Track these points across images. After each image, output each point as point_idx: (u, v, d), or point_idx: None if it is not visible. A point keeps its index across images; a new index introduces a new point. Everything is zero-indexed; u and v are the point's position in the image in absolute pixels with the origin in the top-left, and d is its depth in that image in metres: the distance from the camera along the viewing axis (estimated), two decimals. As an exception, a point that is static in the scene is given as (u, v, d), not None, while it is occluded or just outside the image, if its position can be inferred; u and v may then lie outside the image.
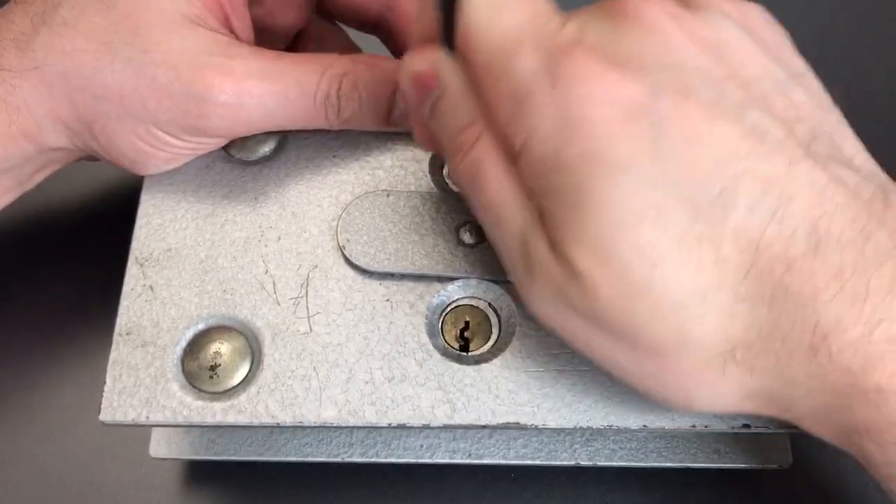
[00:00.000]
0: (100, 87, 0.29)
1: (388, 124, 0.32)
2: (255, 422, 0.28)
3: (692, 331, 0.22)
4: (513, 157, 0.24)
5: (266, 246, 0.31)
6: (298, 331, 0.29)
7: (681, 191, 0.22)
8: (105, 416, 0.28)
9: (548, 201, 0.23)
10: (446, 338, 0.30)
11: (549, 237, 0.23)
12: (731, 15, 0.25)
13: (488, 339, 0.30)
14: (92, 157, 0.34)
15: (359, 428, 0.29)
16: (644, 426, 0.28)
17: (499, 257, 0.26)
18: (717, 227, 0.22)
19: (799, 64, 0.26)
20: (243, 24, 0.33)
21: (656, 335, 0.23)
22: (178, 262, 0.31)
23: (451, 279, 0.30)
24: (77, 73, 0.29)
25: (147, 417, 0.28)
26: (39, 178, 0.33)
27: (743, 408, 0.24)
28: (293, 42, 0.37)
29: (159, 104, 0.29)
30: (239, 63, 0.30)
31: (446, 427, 0.28)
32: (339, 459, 0.33)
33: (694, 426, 0.28)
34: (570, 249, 0.22)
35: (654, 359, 0.23)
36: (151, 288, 0.30)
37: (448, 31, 0.24)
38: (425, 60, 0.25)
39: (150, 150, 0.31)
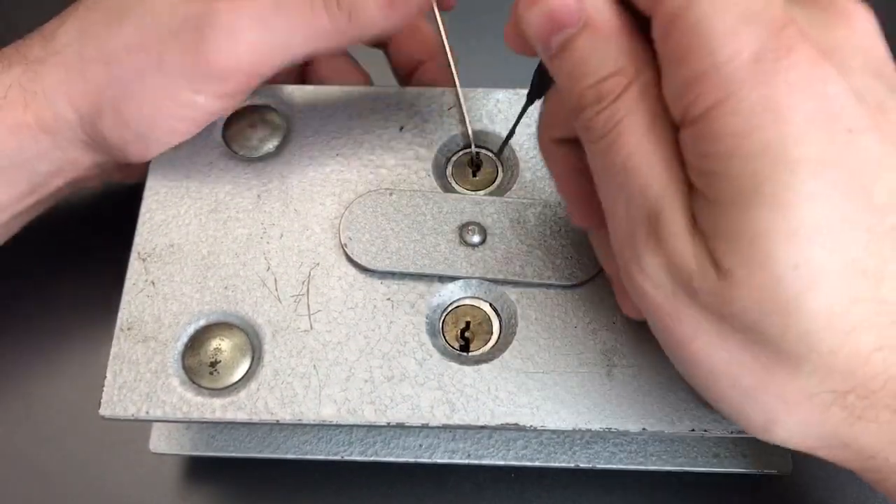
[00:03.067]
0: (109, 51, 0.30)
1: (392, 8, 0.30)
2: (255, 419, 0.28)
3: (819, 359, 0.21)
4: (677, 119, 0.21)
5: (268, 243, 0.31)
6: (299, 328, 0.29)
7: (859, 214, 0.20)
8: (105, 410, 0.28)
9: (710, 184, 0.21)
10: (446, 338, 0.30)
11: (696, 219, 0.21)
12: None
13: (488, 340, 0.30)
14: (110, 178, 0.34)
15: (358, 426, 0.29)
16: (644, 429, 0.28)
17: (611, 219, 0.24)
18: (884, 262, 0.20)
19: None
20: None
21: (779, 352, 0.21)
22: (181, 258, 0.31)
23: (453, 279, 0.30)
24: (91, 43, 0.30)
25: (147, 412, 0.28)
26: (54, 185, 0.33)
27: (823, 453, 0.23)
28: (302, 65, 0.38)
29: (163, 45, 0.29)
30: None
31: (445, 427, 0.28)
32: (338, 457, 0.33)
33: (693, 430, 0.28)
34: (722, 247, 0.20)
35: (762, 369, 0.21)
36: (153, 283, 0.30)
37: None
38: None
39: (156, 112, 0.30)
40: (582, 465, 0.33)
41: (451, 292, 0.30)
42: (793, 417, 0.22)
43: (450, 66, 0.34)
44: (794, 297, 0.20)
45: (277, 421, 0.28)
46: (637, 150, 0.22)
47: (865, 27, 0.22)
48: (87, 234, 0.40)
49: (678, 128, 0.21)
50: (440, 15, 0.34)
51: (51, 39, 0.31)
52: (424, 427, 0.28)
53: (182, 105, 0.30)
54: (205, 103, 0.30)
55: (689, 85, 0.21)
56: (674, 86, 0.21)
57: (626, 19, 0.22)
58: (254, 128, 0.33)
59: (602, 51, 0.22)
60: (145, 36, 0.30)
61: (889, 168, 0.20)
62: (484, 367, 0.29)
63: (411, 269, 0.30)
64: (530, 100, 0.29)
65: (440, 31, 0.34)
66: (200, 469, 0.35)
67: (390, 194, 0.31)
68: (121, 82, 0.30)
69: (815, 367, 0.21)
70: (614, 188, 0.23)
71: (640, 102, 0.22)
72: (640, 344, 0.29)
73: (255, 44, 0.29)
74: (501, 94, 0.34)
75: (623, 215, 0.23)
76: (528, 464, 0.33)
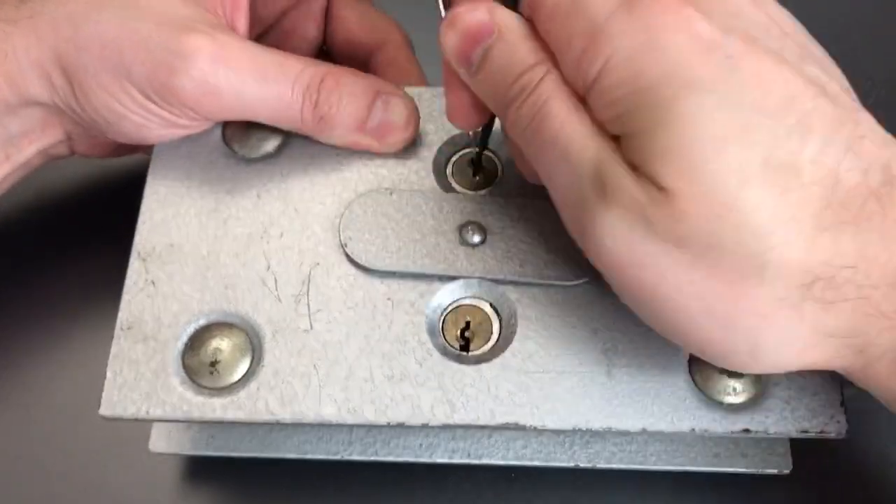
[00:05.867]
0: (83, 38, 0.30)
1: (362, 131, 0.32)
2: (255, 418, 0.28)
3: (774, 257, 0.22)
4: (582, 92, 0.24)
5: (268, 243, 0.31)
6: (299, 328, 0.29)
7: (760, 117, 0.22)
8: (105, 409, 0.28)
9: (629, 124, 0.23)
10: (447, 337, 0.30)
11: (631, 160, 0.23)
12: None
13: (489, 340, 0.30)
14: (80, 149, 0.34)
15: (358, 426, 0.29)
16: (643, 428, 0.28)
17: (558, 196, 0.26)
18: (796, 155, 0.22)
19: (823, 52, 0.26)
20: (242, 24, 0.33)
21: (739, 259, 0.22)
22: (181, 258, 0.31)
23: (453, 279, 0.30)
24: (67, 21, 0.30)
25: (147, 412, 0.28)
26: (27, 151, 0.33)
27: (811, 357, 0.24)
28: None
29: (135, 55, 0.29)
30: (223, 35, 0.30)
31: (445, 426, 0.28)
32: (338, 457, 0.33)
33: (693, 429, 0.28)
34: (657, 168, 0.23)
35: (729, 289, 0.23)
36: (153, 283, 0.30)
37: None
38: (479, 9, 0.26)
39: (121, 109, 0.30)
40: (582, 465, 0.33)
41: (451, 292, 0.30)
42: (773, 330, 0.23)
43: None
44: (732, 196, 0.22)
45: (277, 421, 0.28)
46: (566, 122, 0.24)
47: None
48: (88, 234, 0.40)
49: (585, 99, 0.24)
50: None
51: (27, 0, 0.31)
52: (424, 427, 0.28)
53: (148, 111, 0.31)
54: (171, 118, 0.31)
55: (580, 57, 0.24)
56: (570, 65, 0.24)
57: (526, 24, 0.26)
58: (254, 128, 0.33)
59: (517, 51, 0.25)
60: (122, 35, 0.30)
61: (772, 80, 0.23)
62: (484, 366, 0.29)
63: (411, 269, 0.30)
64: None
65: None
66: (200, 469, 0.35)
67: (390, 194, 0.31)
68: (88, 72, 0.30)
69: (776, 267, 0.22)
70: (554, 161, 0.25)
71: (558, 86, 0.25)
72: (640, 344, 0.29)
73: (222, 101, 0.30)
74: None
75: (568, 183, 0.25)
76: (528, 463, 0.33)
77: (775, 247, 0.22)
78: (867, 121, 0.24)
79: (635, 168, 0.23)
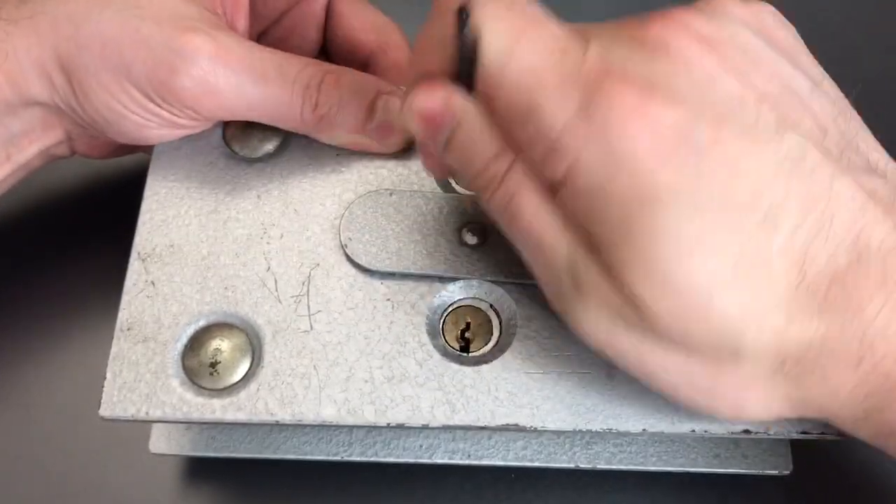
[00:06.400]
0: (84, 37, 0.30)
1: (362, 131, 0.32)
2: (255, 419, 0.28)
3: (747, 349, 0.23)
4: (551, 186, 0.24)
5: (268, 243, 0.31)
6: (299, 329, 0.29)
7: (728, 218, 0.22)
8: (105, 410, 0.28)
9: (598, 231, 0.23)
10: (447, 338, 0.30)
11: (602, 262, 0.23)
12: (748, 22, 0.25)
13: (489, 341, 0.30)
14: (80, 149, 0.34)
15: (358, 427, 0.29)
16: (644, 430, 0.28)
17: (539, 280, 0.26)
18: (766, 249, 0.22)
19: (816, 70, 0.26)
20: (242, 23, 0.33)
21: (712, 353, 0.23)
22: (181, 259, 0.31)
23: (453, 279, 0.30)
24: (67, 20, 0.30)
25: (147, 413, 0.28)
26: (28, 151, 0.33)
27: (788, 414, 0.25)
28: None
29: (135, 54, 0.29)
30: (224, 35, 0.30)
31: (445, 427, 0.28)
32: (338, 458, 0.33)
33: (693, 430, 0.28)
34: (626, 277, 0.23)
35: (707, 371, 0.24)
36: (153, 283, 0.30)
37: (466, 71, 0.24)
38: (436, 97, 0.25)
39: (122, 109, 0.30)
40: (582, 466, 0.33)
41: (451, 293, 0.30)
42: (752, 398, 0.25)
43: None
44: (701, 307, 0.22)
45: (277, 421, 0.28)
46: (536, 219, 0.24)
47: (683, 52, 0.23)
48: (88, 234, 0.40)
49: (556, 191, 0.23)
50: None
51: (28, 0, 0.31)
52: (425, 428, 0.28)
53: (148, 111, 0.31)
54: (171, 117, 0.31)
55: (543, 160, 0.23)
56: (533, 163, 0.24)
57: (485, 110, 0.24)
58: (254, 128, 0.33)
59: (478, 140, 0.24)
60: (123, 34, 0.30)
61: (741, 171, 0.22)
62: (484, 367, 0.29)
63: (412, 270, 0.30)
64: None
65: None
66: (200, 469, 0.35)
67: (391, 194, 0.31)
68: (88, 71, 0.30)
69: (749, 354, 0.23)
70: (529, 253, 0.25)
71: (524, 178, 0.24)
72: (641, 344, 0.29)
73: (222, 101, 0.30)
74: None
75: (544, 272, 0.25)
76: (528, 464, 0.33)
77: (748, 341, 0.23)
78: (847, 185, 0.23)
79: (609, 270, 0.23)
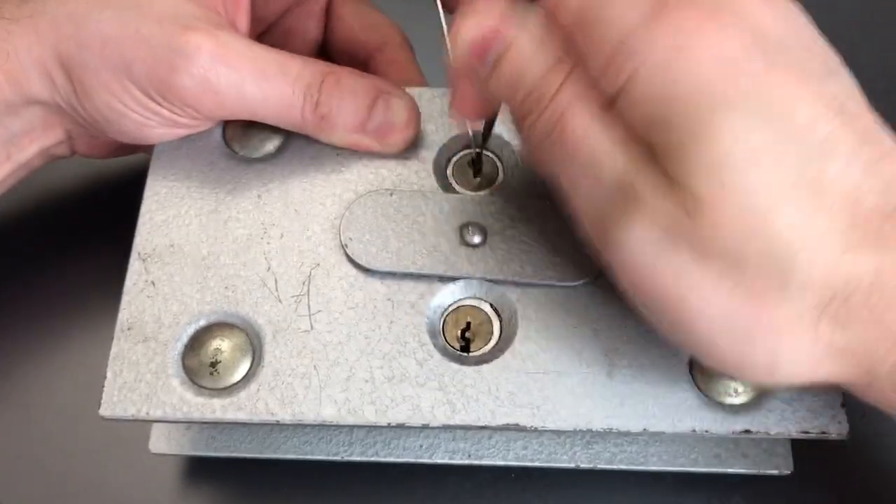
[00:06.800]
0: (85, 36, 0.30)
1: (363, 131, 0.32)
2: (255, 419, 0.28)
3: (799, 274, 0.22)
4: (608, 101, 0.24)
5: (268, 243, 0.31)
6: (299, 328, 0.29)
7: (787, 137, 0.22)
8: (105, 410, 0.28)
9: (661, 136, 0.23)
10: (447, 338, 0.30)
11: (663, 171, 0.23)
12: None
13: (489, 340, 0.30)
14: (80, 149, 0.34)
15: (358, 427, 0.29)
16: (644, 429, 0.28)
17: (580, 205, 0.25)
18: (822, 175, 0.22)
19: (836, 60, 0.26)
20: (243, 23, 0.33)
21: (764, 274, 0.23)
22: (181, 258, 0.31)
23: (453, 279, 0.30)
24: (68, 19, 0.30)
25: (147, 413, 0.28)
26: (29, 150, 0.33)
27: (822, 373, 0.24)
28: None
29: (135, 53, 0.29)
30: (224, 34, 0.30)
31: (446, 427, 0.28)
32: (338, 458, 0.33)
33: (694, 430, 0.28)
34: (691, 181, 0.22)
35: (752, 303, 0.23)
36: (153, 283, 0.30)
37: None
38: (491, 13, 0.25)
39: (122, 108, 0.30)
40: (583, 466, 0.33)
41: (451, 292, 0.30)
42: (791, 347, 0.23)
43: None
44: (762, 217, 0.22)
45: (278, 421, 0.28)
46: (591, 130, 0.24)
47: None
48: (88, 234, 0.40)
49: (614, 102, 0.23)
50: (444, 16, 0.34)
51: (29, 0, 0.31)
52: (425, 427, 0.28)
53: (149, 110, 0.31)
54: (171, 116, 0.31)
55: (606, 65, 0.23)
56: (595, 69, 0.24)
57: (545, 19, 0.25)
58: (254, 128, 0.33)
59: (532, 56, 0.25)
60: (124, 33, 0.30)
61: (795, 101, 0.23)
62: (484, 367, 0.29)
63: (412, 270, 0.30)
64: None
65: (444, 33, 0.34)
66: (200, 469, 0.35)
67: (391, 194, 0.31)
68: (88, 69, 0.30)
69: (798, 285, 0.23)
70: (577, 171, 0.25)
71: (580, 89, 0.24)
72: (641, 344, 0.29)
73: (223, 100, 0.30)
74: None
75: (593, 191, 0.24)
76: (529, 464, 0.33)
77: (800, 264, 0.22)
78: (885, 139, 0.24)
79: (667, 179, 0.23)
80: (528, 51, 0.25)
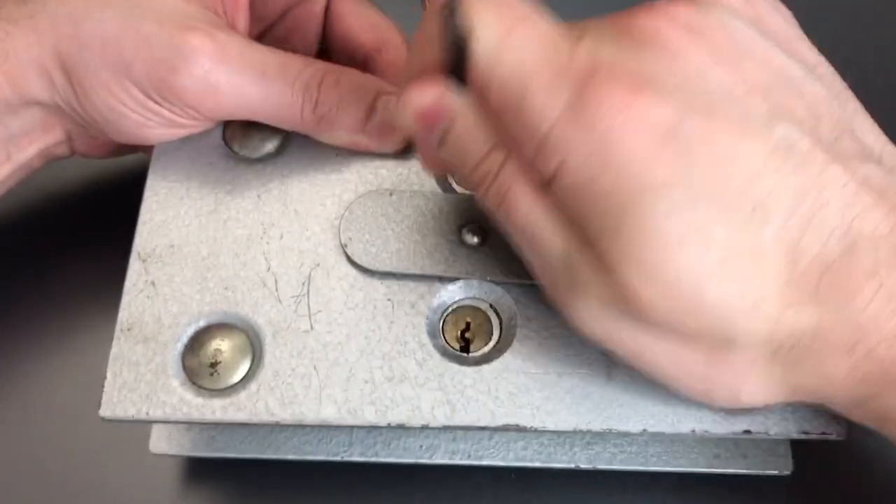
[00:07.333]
0: (85, 36, 0.30)
1: (362, 131, 0.32)
2: (255, 419, 0.28)
3: (740, 337, 0.23)
4: (542, 182, 0.24)
5: (268, 243, 0.31)
6: (299, 329, 0.29)
7: (717, 210, 0.22)
8: (105, 411, 0.28)
9: (589, 227, 0.23)
10: (447, 338, 0.30)
11: (595, 256, 0.23)
12: (739, 10, 0.25)
13: (489, 341, 0.30)
14: (80, 149, 0.34)
15: (358, 427, 0.29)
16: (644, 430, 0.28)
17: (533, 273, 0.26)
18: (757, 240, 0.22)
19: (811, 55, 0.26)
20: (242, 23, 0.33)
21: (706, 341, 0.24)
22: (181, 259, 0.31)
23: (453, 280, 0.30)
24: (67, 19, 0.30)
25: (147, 413, 0.28)
26: (29, 151, 0.33)
27: (785, 398, 0.25)
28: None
29: (136, 53, 0.29)
30: (224, 34, 0.30)
31: (446, 428, 0.28)
32: (338, 458, 0.33)
33: (694, 430, 0.28)
34: (618, 270, 0.23)
35: (702, 359, 0.24)
36: (153, 284, 0.30)
37: (457, 67, 0.24)
38: (429, 94, 0.25)
39: (122, 108, 0.31)
40: (582, 466, 0.33)
41: (451, 293, 0.30)
42: (748, 384, 0.25)
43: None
44: (693, 298, 0.23)
45: (278, 422, 0.28)
46: (530, 216, 0.24)
47: (670, 44, 0.23)
48: (88, 234, 0.40)
49: (548, 186, 0.24)
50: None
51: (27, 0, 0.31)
52: (425, 428, 0.28)
53: (149, 110, 0.31)
54: (171, 117, 0.31)
55: (534, 156, 0.23)
56: (525, 160, 0.24)
57: (478, 105, 0.24)
58: (254, 128, 0.33)
59: (472, 138, 0.25)
60: (123, 33, 0.30)
61: (732, 162, 0.22)
62: (484, 367, 0.29)
63: (412, 270, 0.30)
64: None
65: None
66: (200, 469, 0.35)
67: (390, 195, 0.31)
68: (89, 70, 0.30)
69: (742, 342, 0.24)
70: (526, 249, 0.26)
71: (518, 173, 0.24)
72: (641, 345, 0.29)
73: (223, 101, 0.30)
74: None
75: (542, 270, 0.26)
76: (529, 464, 0.33)
77: (740, 331, 0.23)
78: (838, 174, 0.23)
79: (600, 266, 0.23)
80: (470, 129, 0.25)
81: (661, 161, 0.22)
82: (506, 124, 0.24)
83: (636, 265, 0.23)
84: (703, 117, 0.22)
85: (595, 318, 0.25)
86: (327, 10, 0.37)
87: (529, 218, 0.24)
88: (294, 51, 0.32)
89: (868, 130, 0.25)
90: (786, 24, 0.26)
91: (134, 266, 0.30)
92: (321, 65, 0.32)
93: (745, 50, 0.24)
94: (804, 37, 0.26)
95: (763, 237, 0.22)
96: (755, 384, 0.25)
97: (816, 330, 0.23)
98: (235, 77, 0.30)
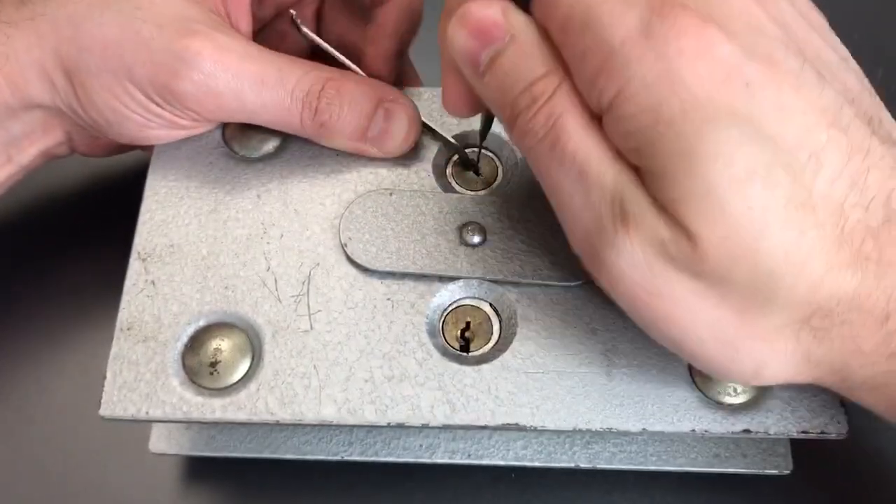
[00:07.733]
0: (86, 39, 0.30)
1: (362, 139, 0.32)
2: (255, 419, 0.28)
3: (782, 295, 0.23)
4: (597, 112, 0.23)
5: (268, 243, 0.31)
6: (299, 328, 0.29)
7: (779, 153, 0.22)
8: (105, 410, 0.28)
9: (650, 160, 0.22)
10: (447, 338, 0.30)
11: (653, 195, 0.23)
12: None
13: (489, 340, 0.30)
14: (80, 149, 0.34)
15: (358, 427, 0.29)
16: (644, 429, 0.28)
17: (571, 217, 0.25)
18: (810, 192, 0.22)
19: (843, 49, 0.26)
20: (244, 23, 0.33)
21: (750, 293, 0.23)
22: (180, 258, 0.31)
23: (453, 279, 0.30)
24: (68, 22, 0.30)
25: (147, 413, 0.28)
26: (29, 152, 0.33)
27: (803, 376, 0.25)
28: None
29: (136, 56, 0.29)
30: (224, 38, 0.30)
31: (445, 427, 0.28)
32: (338, 458, 0.33)
33: (693, 430, 0.28)
34: (681, 209, 0.22)
35: (737, 317, 0.23)
36: (153, 283, 0.30)
37: None
38: (493, 8, 0.24)
39: (124, 110, 0.31)
40: (582, 466, 0.33)
41: (451, 292, 0.30)
42: (774, 353, 0.24)
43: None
44: (752, 240, 0.22)
45: (277, 421, 0.28)
46: (582, 144, 0.23)
47: None
48: (88, 234, 0.40)
49: (601, 119, 0.23)
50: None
51: (26, 2, 0.31)
52: (425, 427, 0.28)
53: (150, 112, 0.31)
54: (173, 118, 0.31)
55: (594, 78, 0.23)
56: (584, 82, 0.23)
57: (539, 28, 0.24)
58: (254, 128, 0.33)
59: (530, 57, 0.24)
60: (124, 36, 0.30)
61: (790, 110, 0.22)
62: (484, 367, 0.29)
63: (411, 269, 0.30)
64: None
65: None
66: (200, 469, 0.35)
67: (390, 194, 0.31)
68: (90, 72, 0.30)
69: (782, 302, 0.23)
70: (567, 184, 0.24)
71: (572, 100, 0.24)
72: (640, 344, 0.29)
73: (223, 104, 0.30)
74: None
75: (582, 207, 0.24)
76: (528, 464, 0.33)
77: (785, 285, 0.23)
78: (878, 146, 0.23)
79: (656, 202, 0.23)
80: (527, 46, 0.24)
81: (726, 93, 0.22)
82: (571, 41, 0.23)
83: (699, 204, 0.22)
84: (764, 64, 0.22)
85: (635, 266, 0.23)
86: (319, 11, 0.37)
87: (579, 149, 0.23)
88: (287, 52, 0.32)
89: (891, 123, 0.25)
90: (823, 22, 0.26)
91: (134, 266, 0.31)
92: (324, 71, 0.32)
93: (793, 24, 0.24)
94: (836, 35, 0.26)
95: (816, 189, 0.22)
96: (781, 353, 0.24)
97: (853, 296, 0.23)
98: (235, 82, 0.30)
